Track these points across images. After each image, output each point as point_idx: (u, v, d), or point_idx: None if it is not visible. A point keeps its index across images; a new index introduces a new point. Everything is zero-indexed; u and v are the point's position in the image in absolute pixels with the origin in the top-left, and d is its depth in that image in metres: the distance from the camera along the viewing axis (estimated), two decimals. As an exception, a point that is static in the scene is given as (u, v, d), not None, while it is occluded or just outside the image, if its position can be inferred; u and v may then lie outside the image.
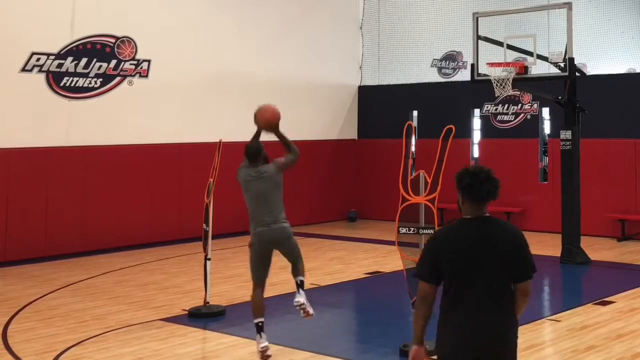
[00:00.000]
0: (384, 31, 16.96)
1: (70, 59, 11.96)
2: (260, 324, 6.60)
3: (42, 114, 11.69)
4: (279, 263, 11.30)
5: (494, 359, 3.85)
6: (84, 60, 12.12)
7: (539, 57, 11.27)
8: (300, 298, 6.83)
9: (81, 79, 12.13)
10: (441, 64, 16.71)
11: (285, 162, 7.13)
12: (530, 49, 11.41)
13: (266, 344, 6.55)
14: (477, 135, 15.64)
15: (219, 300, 8.58)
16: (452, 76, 16.55)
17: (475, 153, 15.63)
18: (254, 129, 7.34)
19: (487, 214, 3.94)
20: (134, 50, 12.78)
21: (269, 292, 9.24)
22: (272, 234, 6.81)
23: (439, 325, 4.04)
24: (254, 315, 6.65)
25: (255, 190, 6.99)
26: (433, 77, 16.51)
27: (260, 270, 6.90)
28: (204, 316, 8.01)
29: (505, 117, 14.94)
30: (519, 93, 14.17)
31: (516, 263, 3.85)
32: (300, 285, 6.94)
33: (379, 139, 16.23)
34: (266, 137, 7.20)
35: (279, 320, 7.95)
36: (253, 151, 7.23)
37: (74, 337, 7.25)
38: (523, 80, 11.34)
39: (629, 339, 7.19)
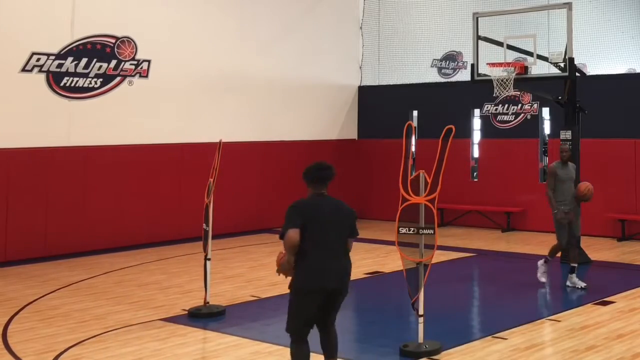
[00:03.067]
0: (384, 31, 16.96)
1: (70, 59, 11.96)
2: None
3: (42, 114, 11.69)
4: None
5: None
6: (84, 61, 12.12)
7: (539, 57, 11.27)
8: None
9: (81, 79, 12.12)
10: (441, 64, 16.72)
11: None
12: (530, 49, 11.41)
13: None
14: (477, 135, 15.65)
15: (219, 300, 8.58)
16: (452, 76, 16.55)
17: (475, 153, 15.63)
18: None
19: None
20: (134, 50, 12.79)
21: (269, 292, 9.27)
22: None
23: None
24: None
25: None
26: (433, 77, 16.51)
27: None
28: (204, 316, 8.01)
29: (505, 117, 14.94)
30: (519, 93, 14.17)
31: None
32: None
33: (379, 139, 16.23)
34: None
35: (279, 320, 7.94)
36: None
37: (74, 337, 7.25)
38: (523, 80, 11.33)
39: (629, 339, 7.19)
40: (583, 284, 9.47)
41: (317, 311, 5.38)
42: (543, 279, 9.63)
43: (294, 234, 5.29)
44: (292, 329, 5.38)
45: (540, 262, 9.76)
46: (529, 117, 14.69)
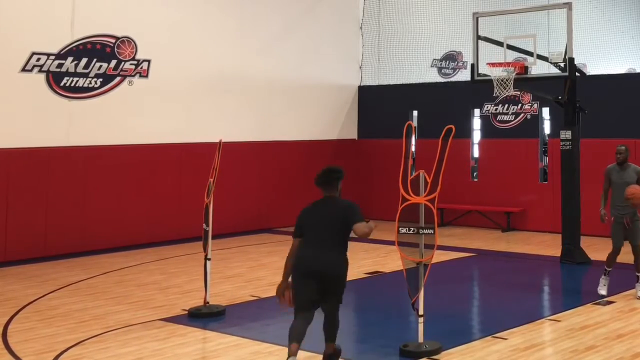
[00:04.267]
0: (384, 31, 16.95)
1: (70, 59, 11.96)
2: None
3: (42, 114, 11.69)
4: (279, 263, 11.33)
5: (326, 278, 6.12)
6: (84, 60, 12.12)
7: (539, 57, 11.27)
8: None
9: (81, 79, 12.13)
10: (441, 64, 16.71)
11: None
12: (530, 49, 11.41)
13: None
14: (477, 135, 15.65)
15: (219, 300, 8.58)
16: (452, 76, 16.55)
17: (475, 153, 15.63)
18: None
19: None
20: (134, 50, 12.79)
21: (269, 292, 9.26)
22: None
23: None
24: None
25: None
26: (433, 77, 16.51)
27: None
28: (204, 316, 8.01)
29: (505, 117, 14.94)
30: (519, 93, 14.17)
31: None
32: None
33: (379, 139, 16.23)
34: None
35: (279, 320, 7.95)
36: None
37: (74, 337, 7.25)
38: (523, 80, 11.33)
39: (629, 339, 7.19)
40: None
41: (310, 294, 6.11)
42: (602, 292, 9.03)
43: (295, 243, 6.25)
44: (295, 307, 6.21)
45: (602, 278, 9.17)
46: (529, 117, 14.69)
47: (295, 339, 6.07)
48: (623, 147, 9.25)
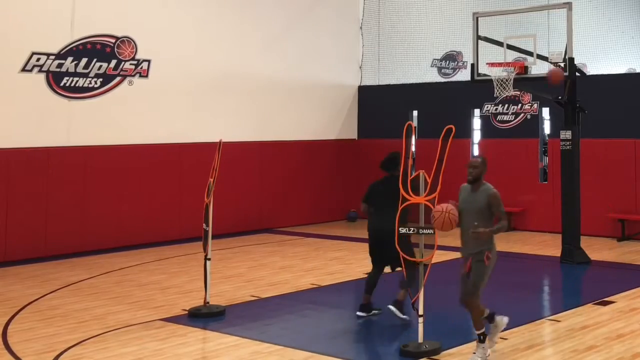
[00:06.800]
0: (384, 31, 16.95)
1: (70, 59, 11.96)
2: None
3: (42, 114, 11.69)
4: (279, 263, 11.35)
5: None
6: (84, 60, 12.12)
7: (539, 57, 11.27)
8: None
9: (81, 79, 12.12)
10: (441, 64, 16.71)
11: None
12: (530, 49, 11.41)
13: None
14: (477, 135, 15.65)
15: (219, 300, 8.58)
16: (452, 76, 16.54)
17: (475, 153, 15.62)
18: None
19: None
20: (134, 50, 12.78)
21: (269, 292, 9.27)
22: None
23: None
24: None
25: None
26: (433, 77, 16.51)
27: None
28: (204, 316, 8.01)
29: (505, 117, 14.94)
30: (519, 93, 14.17)
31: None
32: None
33: (379, 139, 16.21)
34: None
35: (279, 321, 7.96)
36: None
37: (74, 337, 7.25)
38: (523, 80, 11.33)
39: (629, 339, 7.19)
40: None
41: (380, 257, 7.94)
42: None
43: (363, 206, 8.17)
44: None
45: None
46: (529, 117, 14.69)
47: (367, 291, 7.89)
48: (479, 160, 6.92)
